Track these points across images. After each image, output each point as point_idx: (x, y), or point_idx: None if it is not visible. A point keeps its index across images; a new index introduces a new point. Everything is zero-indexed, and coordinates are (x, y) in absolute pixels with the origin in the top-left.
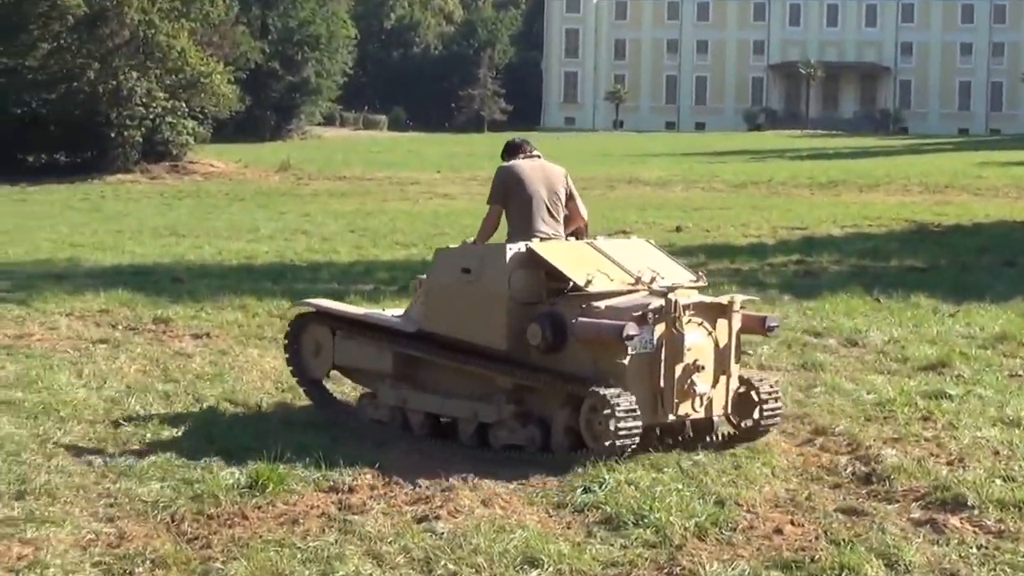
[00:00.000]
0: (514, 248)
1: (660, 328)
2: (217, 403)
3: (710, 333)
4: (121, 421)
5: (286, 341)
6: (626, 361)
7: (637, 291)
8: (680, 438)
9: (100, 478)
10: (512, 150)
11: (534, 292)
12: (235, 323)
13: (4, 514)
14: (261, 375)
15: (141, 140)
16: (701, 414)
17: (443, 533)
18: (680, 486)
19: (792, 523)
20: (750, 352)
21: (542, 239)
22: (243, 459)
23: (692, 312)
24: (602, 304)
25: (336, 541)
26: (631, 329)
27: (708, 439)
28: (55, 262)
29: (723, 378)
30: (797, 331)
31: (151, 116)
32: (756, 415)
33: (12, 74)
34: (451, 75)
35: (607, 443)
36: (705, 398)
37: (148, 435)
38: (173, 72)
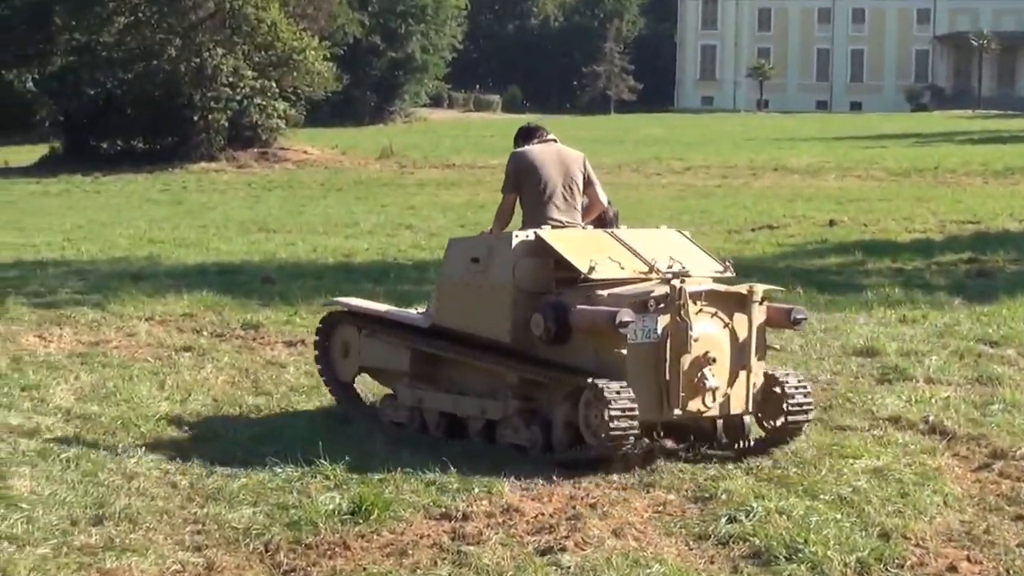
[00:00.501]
0: (521, 236)
1: (665, 317)
2: (314, 418)
3: (726, 324)
4: (208, 438)
5: (316, 341)
6: (624, 351)
7: (647, 280)
8: (713, 444)
9: (186, 502)
10: (526, 135)
11: (542, 282)
12: None
13: (81, 541)
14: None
15: (227, 124)
16: (714, 411)
17: (570, 567)
18: (838, 516)
19: (968, 560)
20: (776, 347)
21: (555, 227)
22: (345, 482)
23: (704, 301)
24: (605, 292)
25: (449, 575)
26: (625, 316)
27: (739, 443)
28: (133, 260)
29: (742, 373)
30: (970, 340)
31: (238, 97)
32: (783, 414)
33: (85, 52)
34: (573, 50)
35: (602, 438)
36: (718, 394)
37: (238, 454)
38: (263, 48)
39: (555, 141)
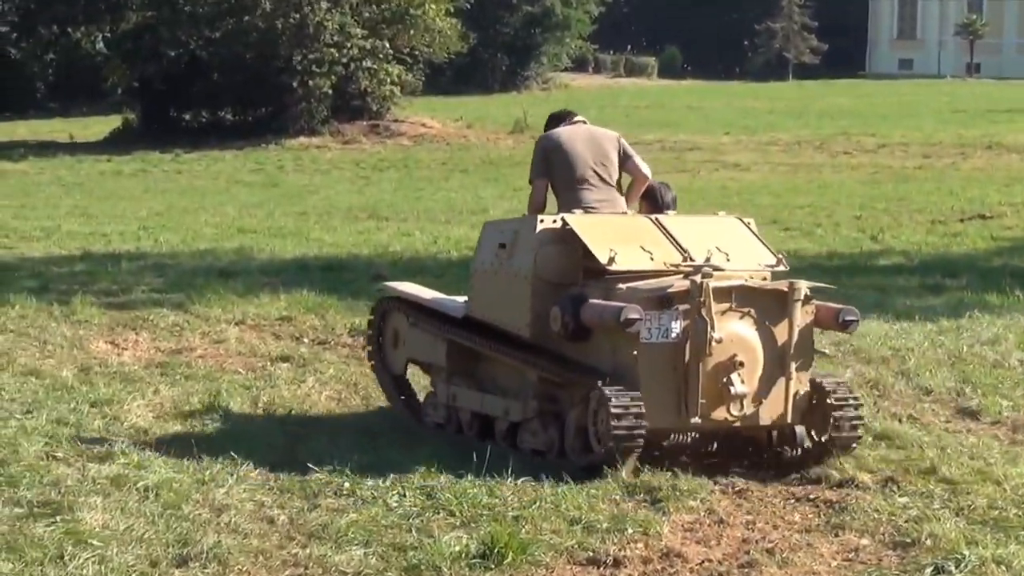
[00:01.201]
0: (547, 221)
1: (685, 316)
2: (436, 442)
3: (761, 325)
4: (311, 465)
5: (368, 332)
6: (635, 352)
7: (676, 273)
8: (764, 455)
9: (285, 540)
10: (556, 120)
11: (567, 272)
12: None
13: None
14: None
15: (331, 92)
16: (744, 420)
17: None
18: None
19: None
20: (825, 351)
21: (588, 210)
22: (473, 518)
23: (736, 298)
24: (624, 286)
25: None
26: (632, 313)
27: (790, 452)
28: (220, 253)
29: (780, 380)
30: None
31: (344, 60)
32: (829, 428)
33: (164, 6)
34: (743, 4)
35: (607, 446)
36: (746, 402)
37: (346, 484)
38: (374, 2)
39: (584, 123)
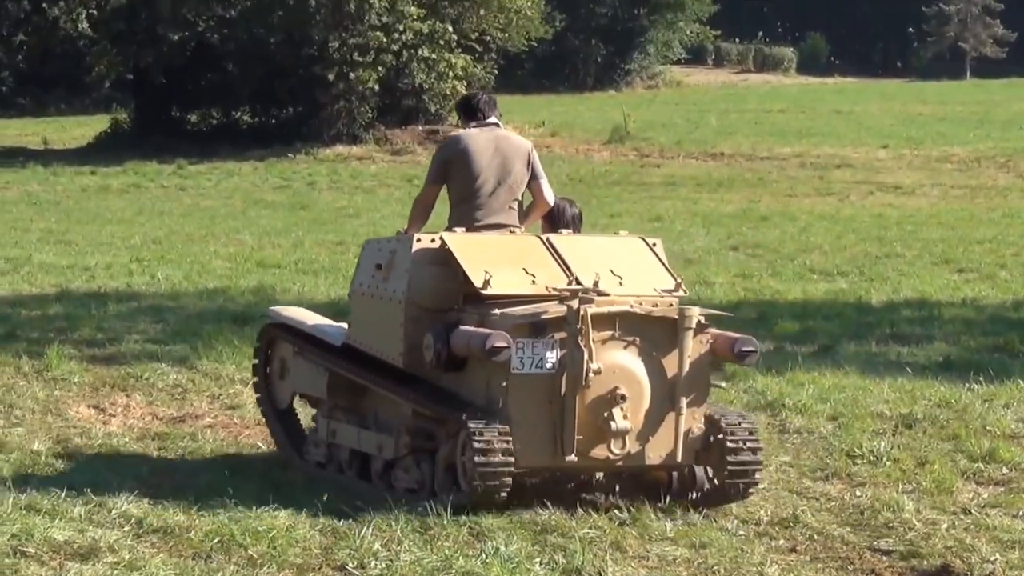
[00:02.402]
0: (424, 241)
1: (560, 344)
2: (508, 542)
3: (648, 355)
4: (349, 566)
5: (254, 362)
6: (505, 383)
7: (555, 298)
8: (666, 495)
9: None
10: (467, 110)
11: (445, 296)
12: None
13: None
14: (583, 497)
15: (377, 88)
16: (628, 459)
17: None
18: None
19: None
20: (722, 385)
21: (478, 228)
22: None
23: (619, 326)
24: (498, 312)
25: None
26: (498, 341)
27: (689, 496)
28: (234, 294)
29: (670, 416)
30: None
31: (395, 47)
32: (724, 470)
33: None
34: None
35: (471, 484)
36: (629, 439)
37: None
38: None
39: (498, 125)
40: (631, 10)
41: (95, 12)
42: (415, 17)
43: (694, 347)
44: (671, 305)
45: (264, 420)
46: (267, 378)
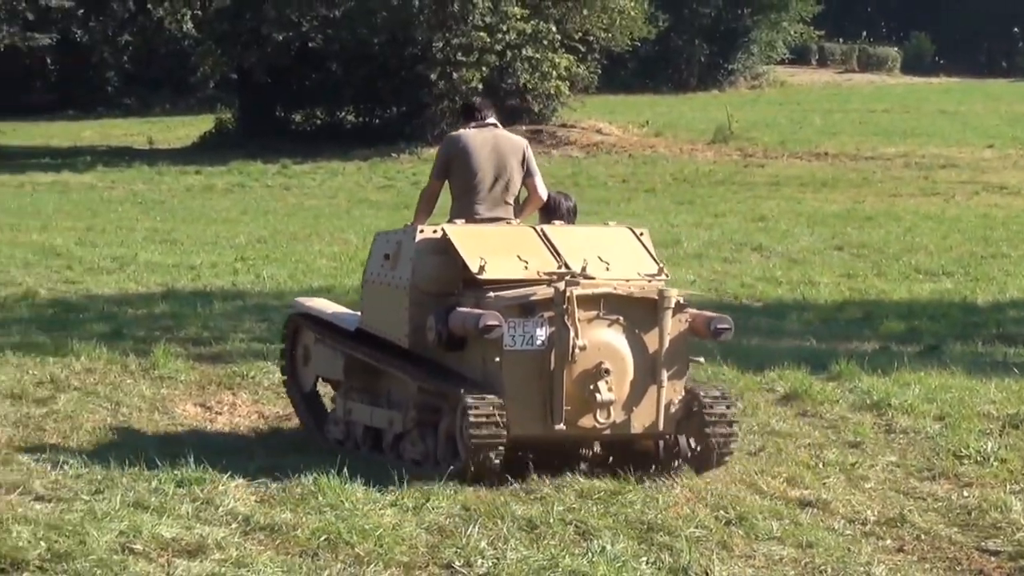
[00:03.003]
0: (427, 232)
1: (548, 323)
2: (614, 541)
3: (631, 332)
4: (456, 565)
5: (280, 349)
6: (498, 359)
7: (545, 281)
8: (654, 466)
9: None
10: (468, 112)
11: (445, 281)
12: None
13: None
14: (690, 496)
15: (480, 88)
16: (614, 428)
17: None
18: None
19: None
20: (700, 360)
21: (477, 220)
22: None
23: (603, 306)
24: (493, 294)
25: None
26: (490, 319)
27: (673, 464)
28: (339, 292)
29: (652, 388)
30: None
31: (499, 47)
32: (703, 438)
33: None
34: None
35: (466, 453)
36: (613, 409)
37: None
38: None
39: (495, 126)
40: (735, 10)
41: (200, 12)
42: (518, 17)
43: (673, 325)
44: (652, 287)
45: (291, 403)
46: (293, 364)
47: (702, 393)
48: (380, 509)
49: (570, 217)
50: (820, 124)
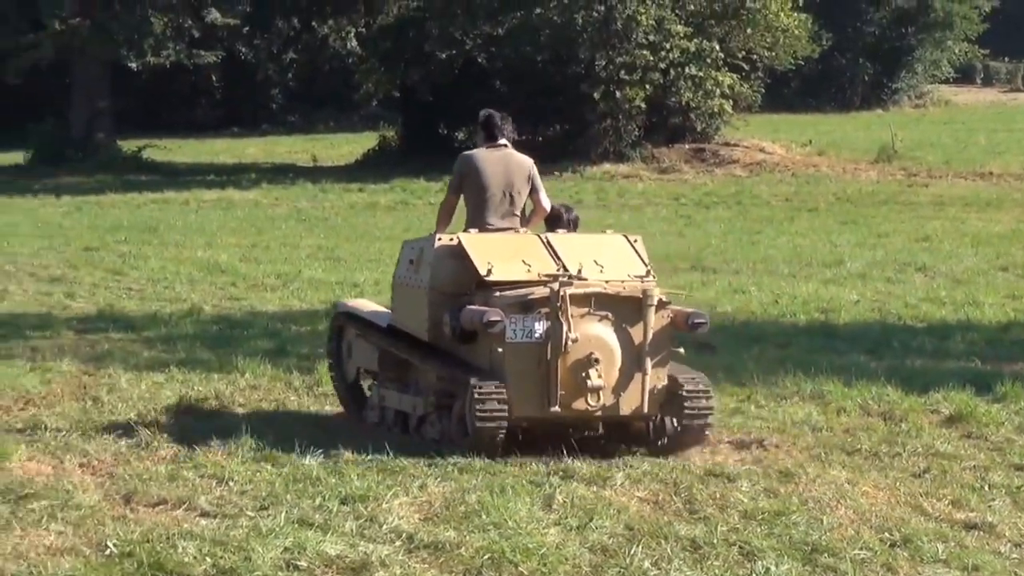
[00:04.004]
0: (444, 239)
1: (545, 319)
2: (778, 563)
3: (619, 327)
4: None
5: (328, 345)
6: (501, 350)
7: (545, 282)
8: (661, 441)
9: None
10: (485, 126)
11: (460, 283)
12: (806, 423)
13: None
14: (855, 518)
15: (644, 106)
16: (604, 411)
17: None
18: None
19: None
20: (680, 350)
21: (489, 230)
22: None
23: (594, 303)
24: (499, 293)
25: None
26: (493, 316)
27: (660, 442)
28: None
29: (638, 375)
30: None
31: (662, 65)
32: (682, 417)
33: None
34: None
35: (473, 431)
36: (603, 394)
37: None
38: None
39: (506, 146)
40: (899, 29)
41: (364, 30)
42: (682, 35)
43: (656, 320)
44: (637, 287)
45: (336, 391)
46: (339, 357)
47: (682, 379)
48: (544, 528)
49: (572, 227)
50: (985, 144)
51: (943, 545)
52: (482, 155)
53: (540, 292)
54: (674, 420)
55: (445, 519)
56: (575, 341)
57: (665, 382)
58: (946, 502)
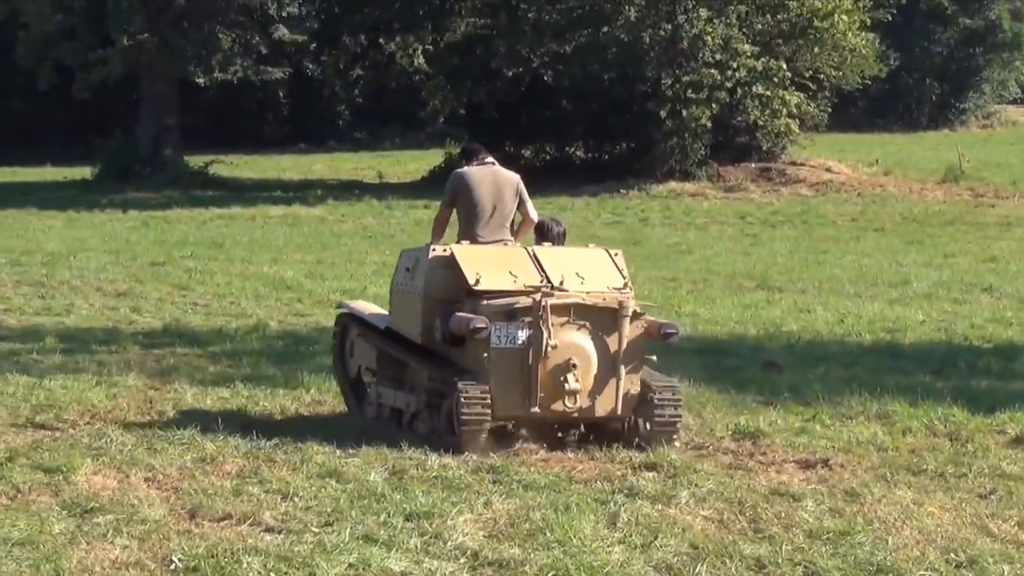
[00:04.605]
0: (438, 250)
1: (528, 326)
2: None
3: (596, 335)
4: None
5: (333, 343)
6: (486, 354)
7: (529, 292)
8: (635, 441)
9: None
10: (467, 155)
11: (451, 290)
12: (871, 443)
13: None
14: (920, 538)
15: (710, 125)
16: (581, 412)
17: None
18: None
19: None
20: (652, 357)
21: (480, 242)
22: None
23: (573, 313)
24: (486, 302)
25: None
26: (479, 323)
27: (635, 441)
28: None
29: (612, 380)
30: None
31: (729, 84)
32: (652, 420)
33: (501, 13)
34: None
35: (459, 429)
36: (580, 397)
37: None
38: (768, 10)
39: (492, 163)
40: (967, 49)
41: (431, 47)
42: (749, 54)
43: (631, 329)
44: (613, 298)
45: (339, 387)
46: (343, 355)
47: (654, 384)
48: (608, 546)
49: (559, 240)
50: None
51: (1009, 566)
52: (472, 172)
53: (523, 302)
54: (646, 422)
55: (510, 536)
56: (555, 347)
57: (638, 387)
58: (1012, 523)
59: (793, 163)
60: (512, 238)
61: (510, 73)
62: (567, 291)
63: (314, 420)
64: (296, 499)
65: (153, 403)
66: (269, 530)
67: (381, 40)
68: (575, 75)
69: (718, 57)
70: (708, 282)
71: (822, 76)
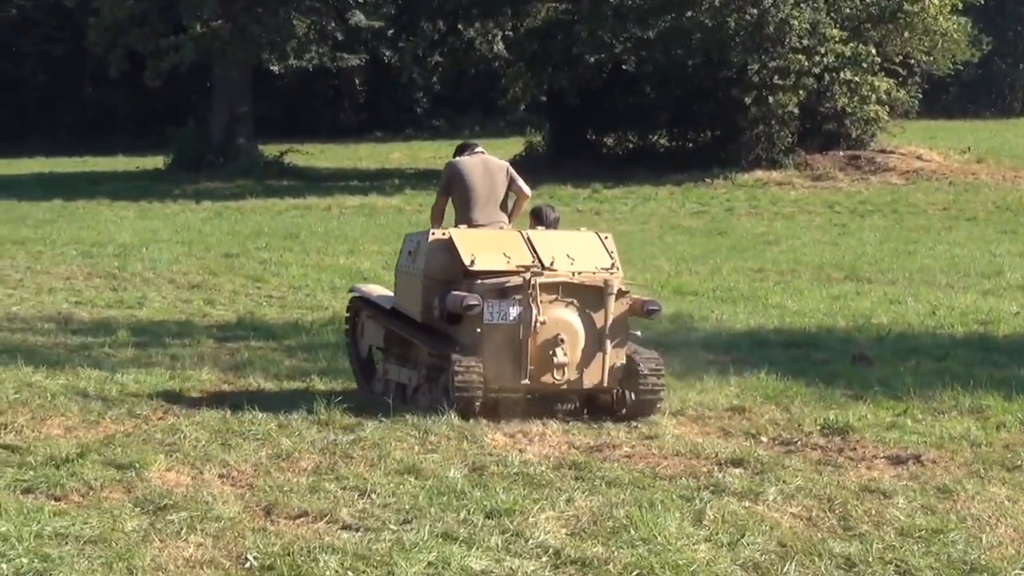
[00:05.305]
0: (437, 234)
1: (518, 303)
2: None
3: (583, 312)
4: None
5: (345, 326)
6: (479, 330)
7: (521, 272)
8: (622, 411)
9: None
10: (460, 149)
11: (449, 271)
12: (965, 438)
13: None
14: (1015, 536)
15: (798, 112)
16: (569, 384)
17: None
18: None
19: None
20: (637, 333)
21: (475, 226)
22: None
23: (561, 291)
24: (480, 281)
25: None
26: (471, 300)
27: (621, 411)
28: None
29: (599, 354)
30: None
31: (817, 70)
32: (637, 391)
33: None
34: None
35: (455, 398)
36: (567, 370)
37: None
38: None
39: (482, 152)
40: None
41: (511, 33)
42: (837, 39)
43: (616, 306)
44: (599, 277)
45: (351, 366)
46: (355, 336)
47: (638, 357)
48: (694, 544)
49: (554, 225)
50: None
51: None
52: (464, 161)
53: (515, 280)
54: (631, 393)
55: (592, 534)
56: (544, 323)
57: (624, 360)
58: None
59: (883, 151)
60: (506, 219)
61: (592, 59)
62: (556, 271)
63: (392, 416)
64: (374, 496)
65: (227, 398)
66: (346, 528)
67: (460, 26)
68: (658, 61)
69: (805, 42)
70: (796, 273)
71: (912, 61)
